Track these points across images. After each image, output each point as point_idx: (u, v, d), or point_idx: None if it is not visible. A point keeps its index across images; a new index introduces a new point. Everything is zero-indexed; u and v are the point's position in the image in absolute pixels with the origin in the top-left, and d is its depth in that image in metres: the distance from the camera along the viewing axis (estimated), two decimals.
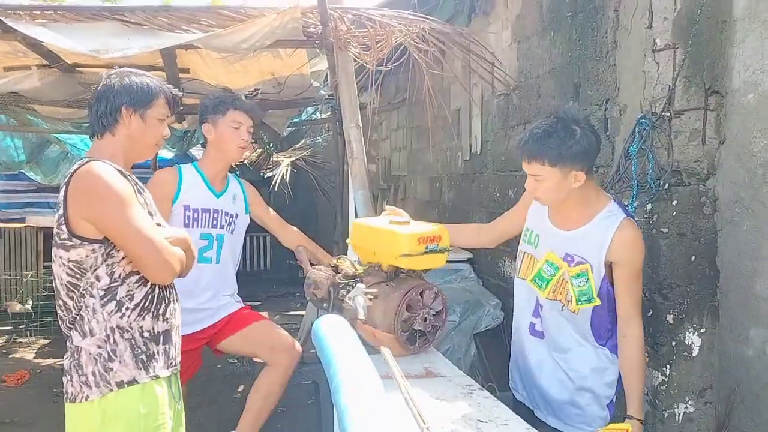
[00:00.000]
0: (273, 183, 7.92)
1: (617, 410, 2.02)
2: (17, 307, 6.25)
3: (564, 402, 2.01)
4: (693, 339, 2.30)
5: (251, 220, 2.91)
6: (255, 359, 4.01)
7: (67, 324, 1.76)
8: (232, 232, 2.76)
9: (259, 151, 8.57)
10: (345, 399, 1.09)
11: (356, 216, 3.12)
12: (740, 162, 2.13)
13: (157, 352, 1.81)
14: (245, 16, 3.07)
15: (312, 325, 1.58)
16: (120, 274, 1.75)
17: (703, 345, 2.29)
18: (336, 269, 2.27)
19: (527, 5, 3.62)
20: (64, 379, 1.76)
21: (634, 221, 1.93)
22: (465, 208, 4.73)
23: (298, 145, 8.74)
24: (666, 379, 2.31)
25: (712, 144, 2.25)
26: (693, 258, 2.28)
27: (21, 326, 6.28)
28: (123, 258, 1.75)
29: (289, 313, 7.28)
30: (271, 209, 2.97)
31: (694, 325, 2.29)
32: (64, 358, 1.78)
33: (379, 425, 1.01)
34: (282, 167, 8.18)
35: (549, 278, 1.98)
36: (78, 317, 1.73)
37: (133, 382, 1.74)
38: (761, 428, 2.06)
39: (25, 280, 6.61)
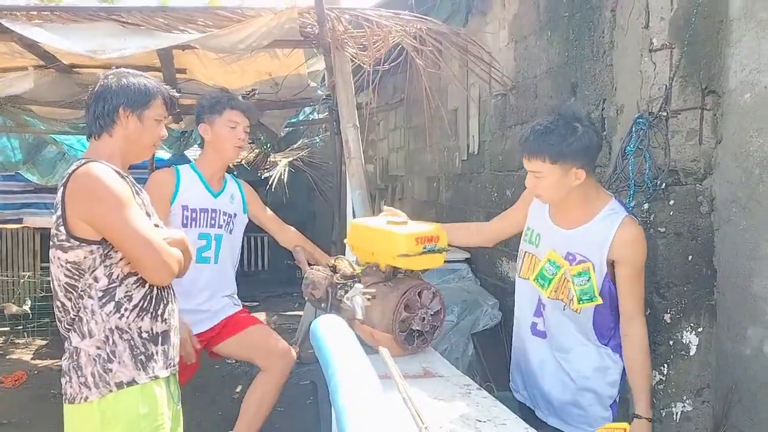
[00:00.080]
0: (270, 183, 7.92)
1: (621, 410, 2.01)
2: (14, 309, 6.23)
3: (566, 402, 2.00)
4: (690, 338, 2.30)
5: (249, 220, 2.91)
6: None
7: (65, 325, 1.76)
8: (230, 232, 2.76)
9: (256, 151, 8.56)
10: (343, 399, 1.09)
11: (354, 216, 3.13)
12: (737, 161, 2.13)
13: (156, 353, 1.81)
14: (242, 16, 3.07)
15: (310, 325, 1.58)
16: (118, 275, 1.75)
17: (701, 344, 2.30)
18: (334, 269, 2.27)
19: (524, 5, 3.62)
20: (63, 380, 1.76)
21: (635, 219, 1.92)
22: (462, 208, 4.73)
23: (295, 146, 8.74)
24: (663, 379, 2.31)
25: (709, 143, 2.25)
26: (690, 257, 2.29)
27: (18, 327, 6.27)
28: (121, 259, 1.75)
29: (287, 313, 7.28)
30: (268, 209, 2.97)
31: (692, 325, 2.30)
32: (63, 359, 1.78)
33: (377, 425, 1.01)
34: (279, 167, 8.17)
35: (551, 277, 1.97)
36: (76, 318, 1.73)
37: (132, 382, 1.74)
38: (759, 427, 2.06)
39: (22, 281, 6.60)
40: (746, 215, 2.10)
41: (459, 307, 3.65)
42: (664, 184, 2.29)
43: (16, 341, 6.07)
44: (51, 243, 1.76)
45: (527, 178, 1.94)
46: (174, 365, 1.89)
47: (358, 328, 2.02)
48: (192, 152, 7.32)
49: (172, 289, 1.93)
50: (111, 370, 1.72)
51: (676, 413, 2.31)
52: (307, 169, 8.45)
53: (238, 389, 4.58)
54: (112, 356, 1.73)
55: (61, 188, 1.73)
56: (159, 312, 1.83)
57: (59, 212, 1.71)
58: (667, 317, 2.30)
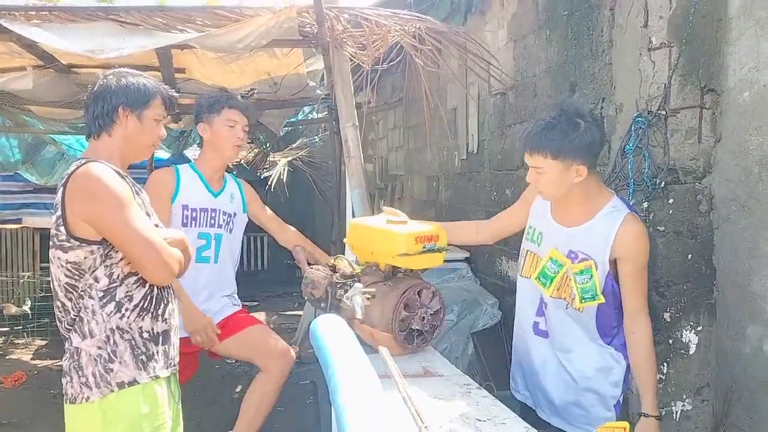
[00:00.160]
0: (270, 183, 7.91)
1: (624, 410, 2.00)
2: (13, 309, 6.23)
3: (568, 402, 1.99)
4: (690, 337, 2.30)
5: (248, 220, 2.90)
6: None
7: (66, 325, 1.75)
8: (230, 232, 2.76)
9: (255, 151, 8.56)
10: (343, 398, 1.09)
11: (353, 215, 3.12)
12: (736, 160, 2.14)
13: (157, 353, 1.81)
14: (241, 15, 3.07)
15: (310, 324, 1.58)
16: (119, 275, 1.75)
17: (700, 343, 2.30)
18: (333, 269, 2.27)
19: (523, 4, 3.62)
20: (64, 381, 1.76)
21: (638, 216, 1.90)
22: (462, 207, 4.73)
23: (294, 145, 8.74)
24: (663, 377, 2.31)
25: (708, 142, 2.25)
26: (689, 256, 2.29)
27: (18, 327, 6.26)
28: (121, 259, 1.75)
29: (286, 312, 7.28)
30: (268, 209, 2.97)
31: (691, 323, 2.30)
32: (63, 359, 1.78)
33: (377, 425, 1.01)
34: (279, 167, 8.17)
35: (553, 276, 1.95)
36: (77, 318, 1.73)
37: (133, 382, 1.74)
38: (759, 426, 2.07)
39: (21, 281, 6.59)
40: (745, 214, 2.10)
41: (459, 306, 3.65)
42: (663, 183, 2.29)
43: (16, 341, 6.07)
44: (51, 243, 1.76)
45: (528, 174, 1.92)
46: (174, 365, 1.89)
47: (358, 328, 2.02)
48: (192, 152, 7.32)
49: (172, 289, 1.93)
50: (112, 370, 1.72)
51: (676, 412, 2.31)
52: (307, 169, 8.45)
53: (238, 389, 4.58)
54: (113, 356, 1.73)
55: (61, 188, 1.73)
56: (159, 312, 1.83)
57: (59, 212, 1.71)
58: (666, 316, 2.31)
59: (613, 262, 1.87)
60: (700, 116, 2.25)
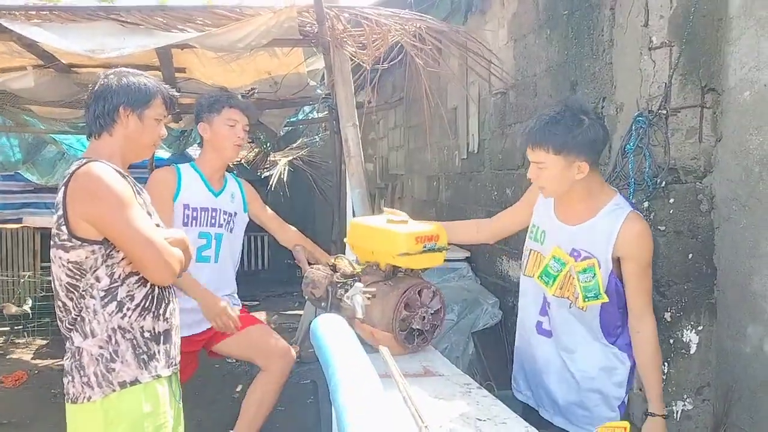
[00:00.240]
0: (270, 182, 7.92)
1: (628, 410, 1.99)
2: (13, 309, 6.23)
3: (571, 402, 1.98)
4: (690, 336, 2.30)
5: (249, 219, 2.91)
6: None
7: (67, 325, 1.76)
8: (230, 231, 2.76)
9: (256, 150, 8.56)
10: (343, 398, 1.09)
11: (354, 215, 3.13)
12: (737, 159, 2.13)
13: (158, 352, 1.81)
14: (241, 15, 3.07)
15: (310, 324, 1.58)
16: (120, 275, 1.75)
17: (701, 342, 2.30)
18: (334, 268, 2.27)
19: (524, 3, 3.62)
20: (65, 380, 1.76)
21: (640, 214, 1.89)
22: (462, 207, 4.73)
23: (295, 145, 8.74)
24: (664, 377, 2.31)
25: (709, 141, 2.25)
26: (690, 255, 2.29)
27: (18, 327, 6.27)
28: (123, 259, 1.75)
29: (287, 312, 7.28)
30: (268, 208, 2.97)
31: (692, 323, 2.30)
32: (65, 359, 1.78)
33: (377, 424, 1.01)
34: (279, 167, 8.17)
35: (556, 274, 1.94)
36: (78, 318, 1.73)
37: (135, 381, 1.75)
38: (759, 425, 2.06)
39: (22, 281, 6.60)
40: (746, 213, 2.10)
41: (459, 305, 3.65)
42: (664, 183, 2.29)
43: (17, 341, 6.07)
44: (52, 243, 1.76)
45: (530, 169, 1.91)
46: (176, 364, 1.90)
47: (358, 327, 2.02)
48: (194, 151, 7.32)
49: (173, 289, 1.93)
50: (114, 370, 1.73)
51: (677, 412, 2.31)
52: (307, 168, 8.45)
53: (239, 388, 4.58)
54: (114, 356, 1.73)
55: (62, 188, 1.73)
56: (161, 311, 1.83)
57: (60, 212, 1.71)
58: (667, 316, 2.30)
59: (617, 261, 1.86)
60: (701, 116, 2.25)
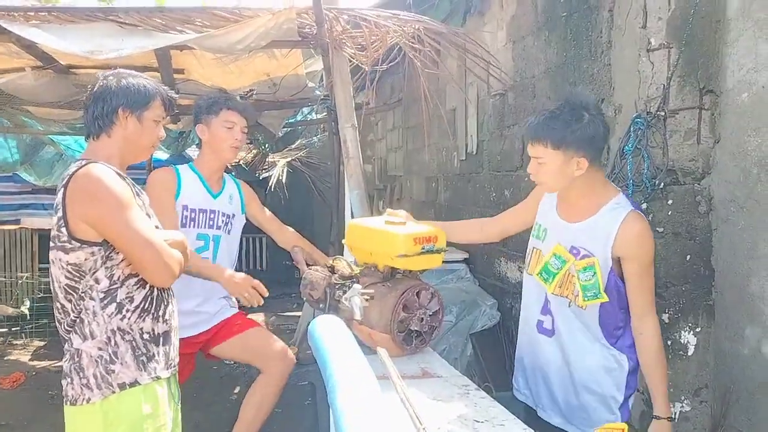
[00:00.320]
0: (269, 184, 7.91)
1: (624, 413, 1.98)
2: (9, 311, 6.22)
3: (570, 403, 1.97)
4: (688, 338, 2.30)
5: (247, 220, 2.90)
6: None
7: (66, 327, 1.75)
8: (228, 233, 2.75)
9: (254, 151, 8.56)
10: (341, 400, 1.09)
11: (352, 216, 3.12)
12: (735, 161, 2.14)
13: (158, 353, 1.81)
14: (240, 16, 3.07)
15: (308, 325, 1.58)
16: (119, 277, 1.75)
17: (699, 344, 2.30)
18: (332, 270, 2.27)
19: (522, 5, 3.62)
20: (64, 382, 1.76)
21: (641, 214, 1.87)
22: (461, 208, 4.73)
23: (293, 146, 8.74)
24: None
25: (707, 143, 2.26)
26: (688, 257, 2.29)
27: (16, 328, 6.25)
28: (122, 260, 1.75)
29: (285, 313, 7.27)
30: (267, 210, 2.97)
31: (690, 324, 2.30)
32: (63, 360, 1.77)
33: (375, 426, 1.00)
34: (278, 168, 8.17)
35: (555, 272, 1.93)
36: (77, 320, 1.73)
37: (134, 383, 1.74)
38: (757, 427, 2.07)
39: (20, 282, 6.59)
40: (744, 215, 2.10)
41: (457, 307, 3.65)
42: (662, 184, 2.30)
43: (14, 342, 6.06)
44: (52, 244, 1.75)
45: (530, 164, 1.90)
46: (174, 366, 1.90)
47: (356, 329, 2.02)
48: (192, 152, 7.32)
49: (172, 290, 1.93)
50: (113, 371, 1.72)
51: (675, 413, 2.31)
52: (306, 170, 8.45)
53: (237, 390, 4.57)
54: (114, 357, 1.73)
55: (62, 189, 1.72)
56: (160, 313, 1.83)
57: (60, 213, 1.71)
58: (665, 317, 2.31)
59: (617, 261, 1.84)
60: (699, 117, 2.25)
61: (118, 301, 1.74)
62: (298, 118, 6.93)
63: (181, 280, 1.94)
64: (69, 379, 1.74)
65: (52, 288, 1.79)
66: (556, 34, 3.18)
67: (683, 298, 2.29)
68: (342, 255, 2.65)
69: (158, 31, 3.02)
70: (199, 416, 3.91)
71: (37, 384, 4.81)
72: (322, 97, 4.48)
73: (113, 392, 1.71)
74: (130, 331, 1.76)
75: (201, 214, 2.65)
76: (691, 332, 2.30)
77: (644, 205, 2.36)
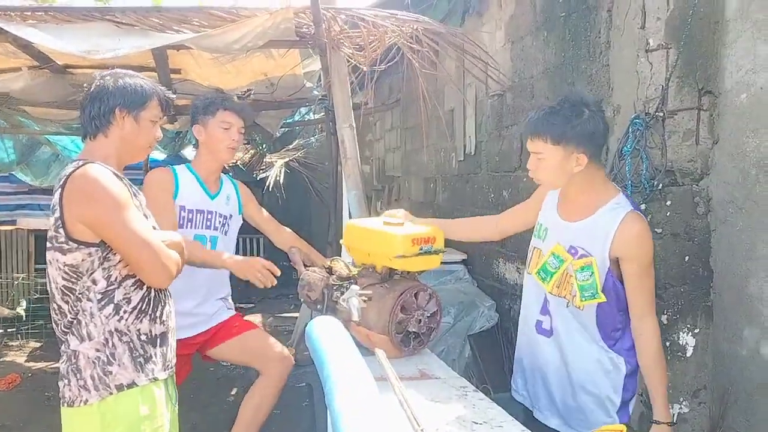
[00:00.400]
0: (266, 184, 7.90)
1: (623, 416, 1.97)
2: (5, 312, 6.20)
3: (568, 404, 1.96)
4: (687, 339, 2.30)
5: (244, 221, 2.89)
6: None
7: (63, 328, 1.74)
8: (225, 234, 2.74)
9: (252, 152, 8.54)
10: (338, 401, 1.08)
11: (350, 217, 3.11)
12: (733, 162, 2.14)
13: (155, 355, 1.80)
14: (237, 16, 3.07)
15: (306, 326, 1.57)
16: (116, 278, 1.74)
17: (697, 345, 2.30)
18: (330, 271, 2.26)
19: (521, 5, 3.62)
20: (61, 384, 1.75)
21: (641, 214, 1.86)
22: (459, 209, 4.73)
23: (291, 146, 8.72)
24: None
25: (706, 144, 2.25)
26: (687, 258, 2.29)
27: (12, 329, 6.23)
28: (119, 261, 1.74)
29: (282, 314, 7.26)
30: (264, 210, 2.96)
31: (688, 326, 2.30)
32: (60, 362, 1.77)
33: (373, 428, 1.00)
34: (275, 168, 8.15)
35: (553, 271, 1.92)
36: (75, 321, 1.72)
37: (132, 384, 1.74)
38: (755, 428, 2.06)
39: (16, 282, 6.56)
40: (743, 216, 2.10)
41: (455, 308, 3.65)
42: (660, 185, 2.29)
43: (10, 343, 6.04)
44: (49, 245, 1.74)
45: (529, 160, 1.89)
46: (172, 367, 1.89)
47: (354, 330, 2.01)
48: (189, 152, 7.31)
49: (169, 291, 1.92)
50: (111, 373, 1.72)
51: (673, 414, 2.31)
52: (303, 170, 8.43)
53: (234, 392, 4.57)
54: (111, 358, 1.72)
55: (59, 190, 1.71)
56: (157, 314, 1.82)
57: (57, 214, 1.70)
58: (663, 318, 2.30)
59: (615, 261, 1.83)
60: (698, 118, 2.25)
61: (115, 302, 1.73)
62: (296, 118, 6.92)
63: (179, 281, 1.93)
64: (66, 381, 1.73)
65: (49, 289, 1.78)
66: (554, 34, 3.17)
67: (682, 299, 2.29)
68: (340, 256, 2.64)
69: (155, 30, 3.01)
70: (196, 417, 3.90)
71: (34, 385, 4.79)
72: (319, 97, 4.48)
73: (111, 393, 1.71)
74: (128, 333, 1.75)
75: (198, 214, 2.64)
76: (690, 333, 2.30)
77: (643, 206, 2.35)
